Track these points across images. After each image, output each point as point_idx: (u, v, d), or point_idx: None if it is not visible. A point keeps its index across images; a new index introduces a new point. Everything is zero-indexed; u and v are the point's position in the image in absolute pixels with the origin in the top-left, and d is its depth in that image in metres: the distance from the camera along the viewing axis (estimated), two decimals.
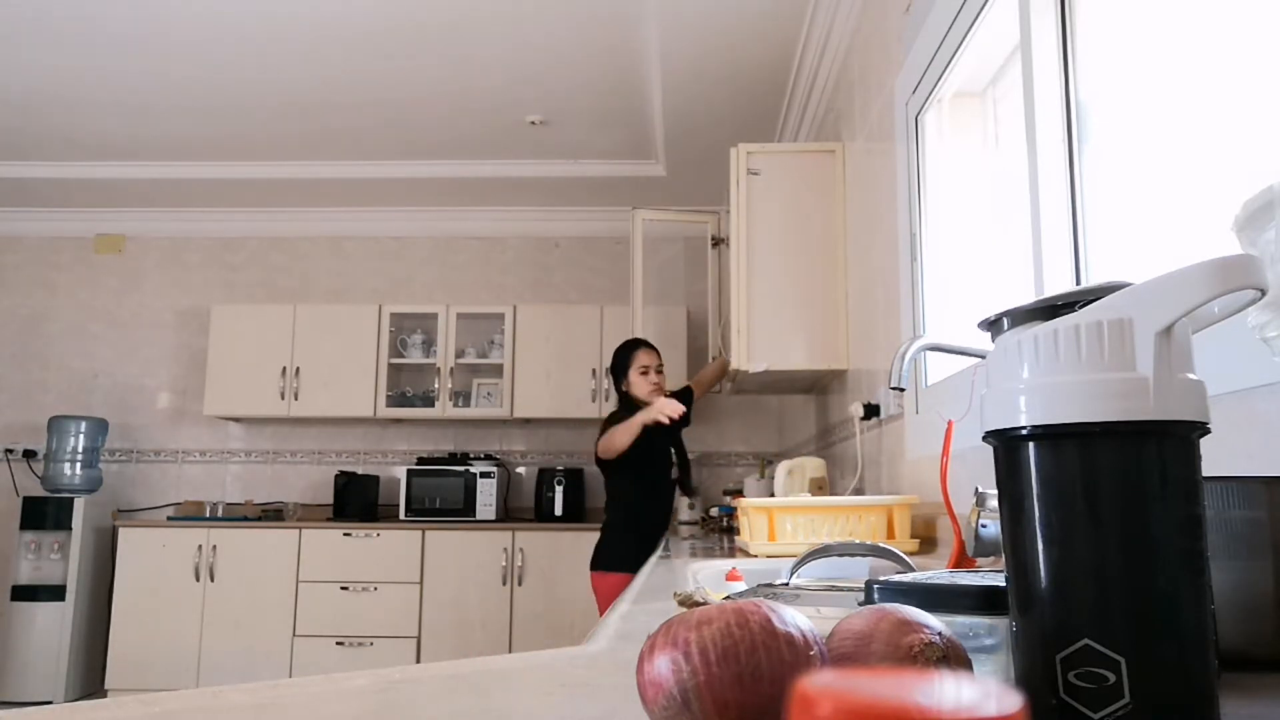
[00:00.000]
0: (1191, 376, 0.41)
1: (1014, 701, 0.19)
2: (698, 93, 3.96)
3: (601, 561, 3.30)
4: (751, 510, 1.86)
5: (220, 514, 5.07)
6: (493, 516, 4.87)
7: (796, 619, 0.40)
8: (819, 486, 2.56)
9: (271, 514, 5.15)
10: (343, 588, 4.74)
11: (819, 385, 3.72)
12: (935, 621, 0.43)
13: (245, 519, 5.00)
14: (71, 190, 5.26)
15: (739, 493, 3.91)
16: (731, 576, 1.35)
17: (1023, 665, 0.41)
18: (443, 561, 4.75)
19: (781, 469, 2.57)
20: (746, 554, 1.87)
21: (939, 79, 2.09)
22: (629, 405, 3.31)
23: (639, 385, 3.35)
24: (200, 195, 5.33)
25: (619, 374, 3.43)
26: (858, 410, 2.69)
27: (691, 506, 4.19)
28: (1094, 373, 0.40)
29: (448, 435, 5.45)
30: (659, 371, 3.39)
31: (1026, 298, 0.82)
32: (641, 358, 3.38)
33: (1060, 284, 1.46)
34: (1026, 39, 1.56)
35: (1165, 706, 0.38)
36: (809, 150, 3.36)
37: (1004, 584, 0.44)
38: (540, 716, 0.50)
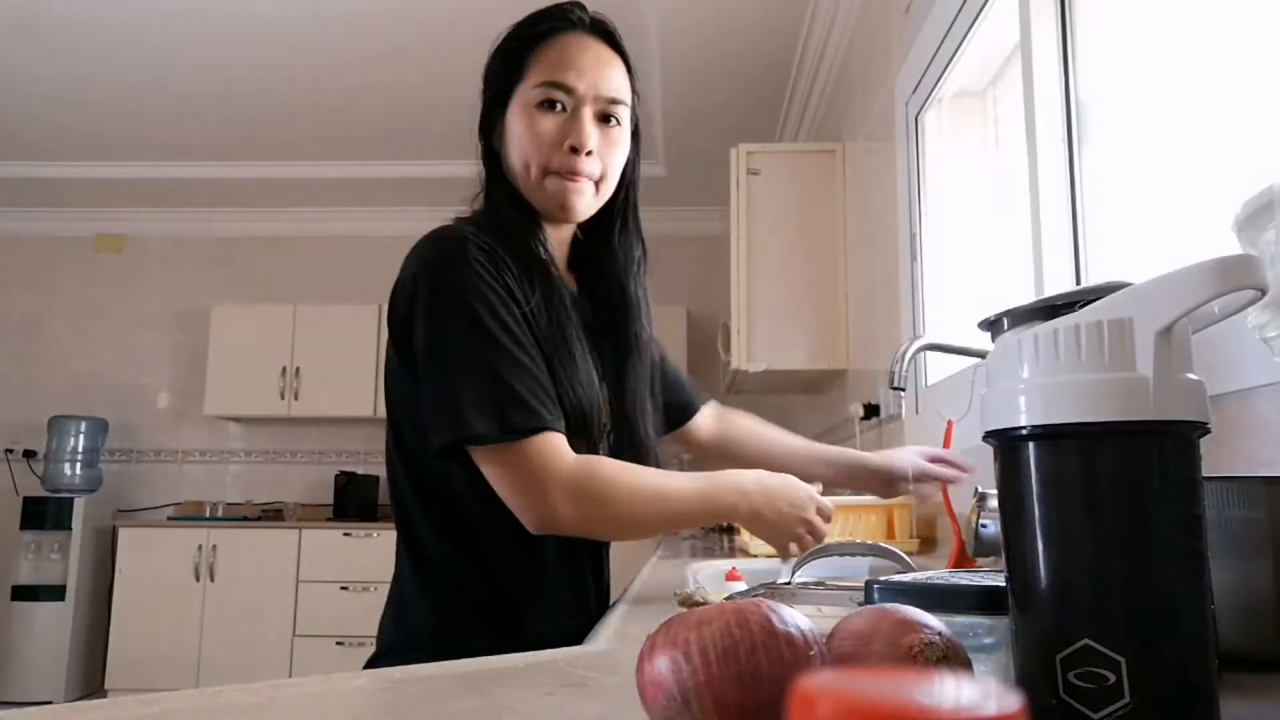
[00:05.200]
0: (1191, 376, 0.40)
1: (1014, 701, 0.19)
2: (698, 92, 3.96)
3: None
4: None
5: (220, 514, 5.07)
6: None
7: (796, 619, 0.40)
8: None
9: (271, 514, 5.15)
10: (343, 588, 4.74)
11: (819, 385, 3.72)
12: (935, 621, 0.43)
13: (245, 519, 5.00)
14: (71, 190, 5.25)
15: None
16: (731, 576, 1.35)
17: (1023, 665, 0.41)
18: None
19: None
20: (746, 554, 1.87)
21: (939, 79, 2.09)
22: (501, 192, 1.08)
23: (527, 144, 1.03)
24: (200, 195, 5.33)
25: (492, 105, 1.08)
26: (858, 410, 2.69)
27: None
28: (1094, 373, 0.40)
29: None
30: (608, 120, 1.04)
31: (1026, 298, 0.81)
32: (546, 63, 1.03)
33: (1060, 284, 1.45)
34: (1026, 39, 1.56)
35: (1165, 706, 0.38)
36: (809, 150, 3.36)
37: (1004, 584, 0.44)
38: (540, 716, 0.50)
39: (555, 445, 0.92)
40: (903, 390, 1.21)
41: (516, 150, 1.04)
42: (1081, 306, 0.43)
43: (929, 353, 2.09)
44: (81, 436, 5.09)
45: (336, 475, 5.11)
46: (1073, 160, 1.47)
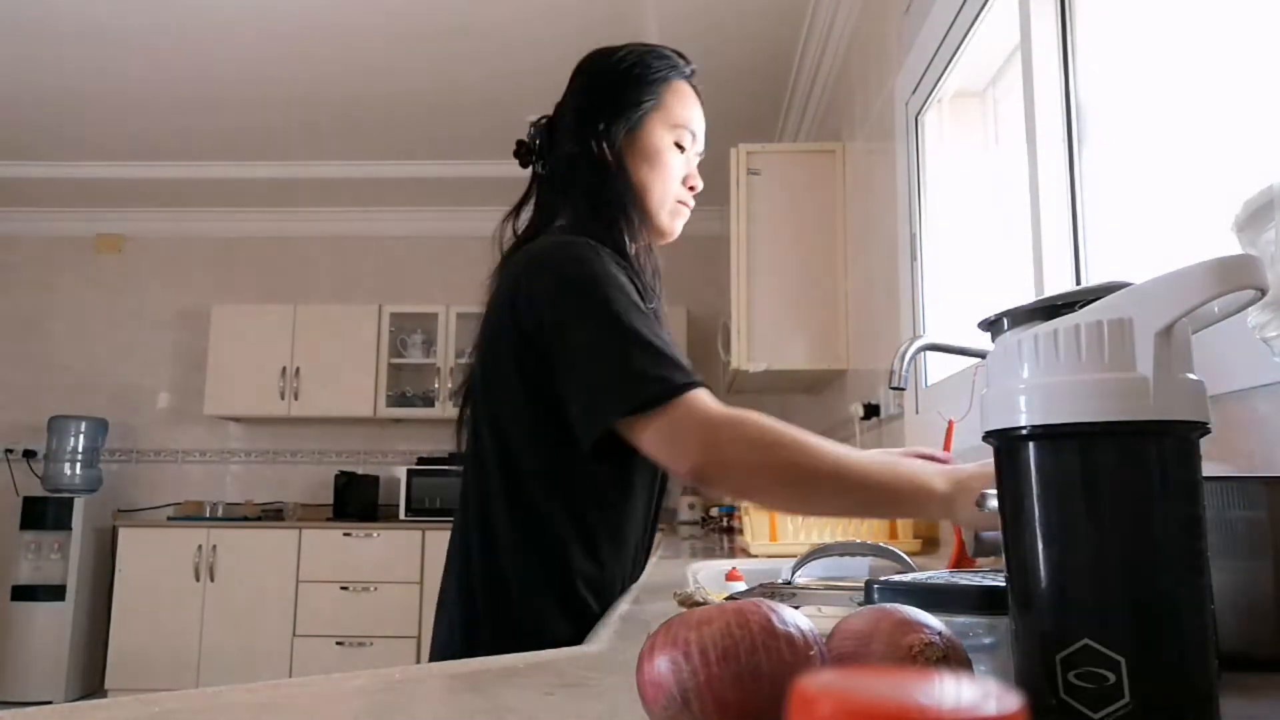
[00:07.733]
0: (1191, 376, 0.40)
1: (1014, 701, 0.19)
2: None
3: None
4: (753, 510, 1.86)
5: (220, 514, 5.07)
6: None
7: (796, 619, 0.40)
8: None
9: (271, 514, 5.15)
10: (343, 588, 4.74)
11: (819, 385, 3.72)
12: (935, 621, 0.43)
13: (245, 519, 5.00)
14: (71, 190, 5.25)
15: None
16: (731, 576, 1.36)
17: (1023, 665, 0.41)
18: (443, 561, 4.73)
19: None
20: (747, 554, 1.87)
21: (939, 79, 2.09)
22: (624, 206, 1.13)
23: (667, 176, 1.15)
24: (200, 195, 5.33)
25: (615, 117, 1.14)
26: (858, 410, 2.69)
27: (692, 506, 4.18)
28: (1094, 372, 0.40)
29: (448, 435, 5.45)
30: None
31: (1026, 298, 0.82)
32: (681, 107, 1.16)
33: (1060, 284, 1.46)
34: (1026, 39, 1.56)
35: (1165, 706, 0.38)
36: (809, 150, 3.36)
37: (1004, 584, 0.44)
38: (540, 716, 0.50)
39: (710, 396, 0.93)
40: (902, 390, 1.21)
41: (658, 176, 1.14)
42: (1081, 306, 0.43)
43: (929, 353, 2.09)
44: (81, 436, 5.09)
45: (336, 475, 5.11)
46: (1073, 160, 1.47)
